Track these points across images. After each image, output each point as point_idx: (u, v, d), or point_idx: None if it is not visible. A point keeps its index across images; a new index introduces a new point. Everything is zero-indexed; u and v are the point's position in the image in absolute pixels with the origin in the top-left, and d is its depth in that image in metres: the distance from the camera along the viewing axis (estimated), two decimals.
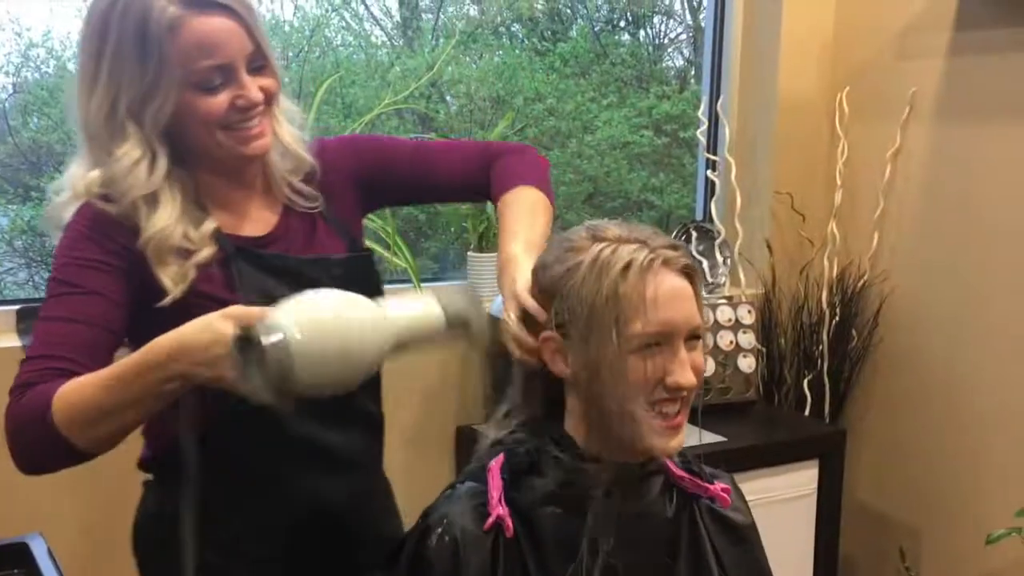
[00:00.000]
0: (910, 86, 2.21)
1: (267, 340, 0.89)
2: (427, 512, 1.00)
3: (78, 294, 1.06)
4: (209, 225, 1.13)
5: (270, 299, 0.97)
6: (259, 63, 1.11)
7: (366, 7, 3.15)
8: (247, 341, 0.90)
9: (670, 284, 0.95)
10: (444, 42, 3.06)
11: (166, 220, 1.09)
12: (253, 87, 1.10)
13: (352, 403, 1.19)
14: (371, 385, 1.26)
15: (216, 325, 0.93)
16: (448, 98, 3.34)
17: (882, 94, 2.28)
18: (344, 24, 3.14)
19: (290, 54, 3.12)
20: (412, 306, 1.02)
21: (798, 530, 2.13)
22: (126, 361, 0.98)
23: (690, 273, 0.97)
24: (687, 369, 0.95)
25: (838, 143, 2.36)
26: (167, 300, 1.08)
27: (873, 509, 2.39)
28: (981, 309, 2.11)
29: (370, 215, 2.13)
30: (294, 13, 2.92)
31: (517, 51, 3.46)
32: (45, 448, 1.00)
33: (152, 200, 1.10)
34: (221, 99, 1.09)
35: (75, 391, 0.99)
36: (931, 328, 2.22)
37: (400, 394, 2.05)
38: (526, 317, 1.01)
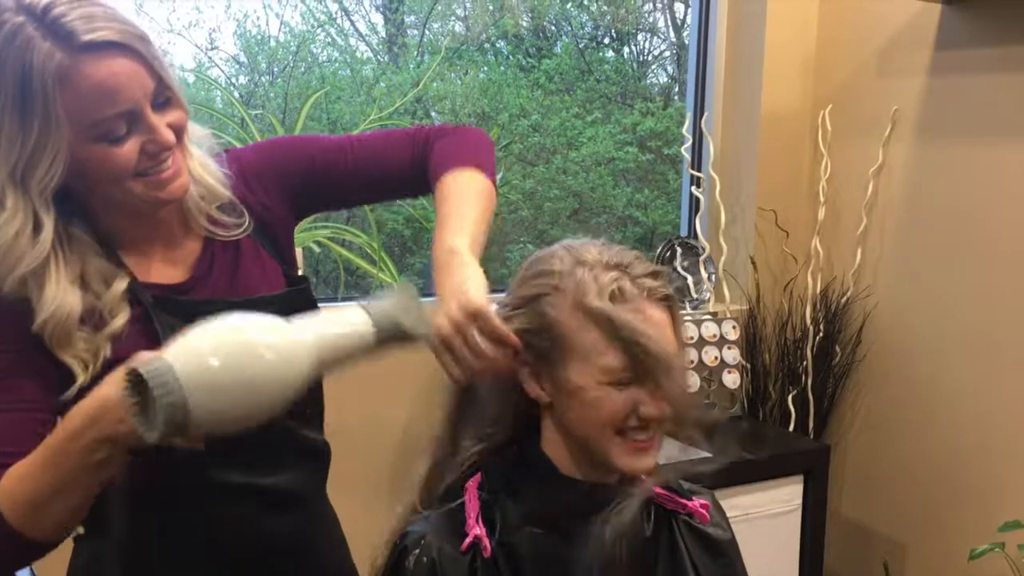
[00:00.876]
0: (892, 104, 2.23)
1: (152, 383, 0.82)
2: (404, 534, 0.99)
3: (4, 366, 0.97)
4: (120, 284, 1.02)
5: None
6: (163, 97, 1.00)
7: (352, 23, 3.16)
8: (138, 387, 0.85)
9: (649, 315, 0.94)
10: (430, 58, 3.07)
11: (58, 295, 0.97)
12: (163, 127, 0.99)
13: (289, 438, 1.13)
14: (311, 414, 1.19)
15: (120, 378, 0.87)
16: (433, 114, 3.34)
17: (864, 112, 2.30)
18: (330, 40, 3.15)
19: (275, 69, 3.12)
20: (334, 321, 0.94)
21: (783, 546, 2.14)
22: (51, 439, 0.92)
23: (669, 302, 0.97)
24: (661, 401, 0.95)
25: (821, 160, 2.38)
26: (75, 387, 0.97)
27: (857, 524, 2.40)
28: (964, 325, 2.12)
29: (354, 231, 2.13)
30: (280, 28, 2.92)
31: (502, 67, 3.47)
32: (4, 549, 0.93)
33: (39, 274, 0.98)
34: (129, 148, 0.97)
35: (15, 483, 0.92)
36: (914, 344, 2.23)
37: (388, 404, 2.04)
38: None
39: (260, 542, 1.13)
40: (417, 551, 0.96)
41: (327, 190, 1.21)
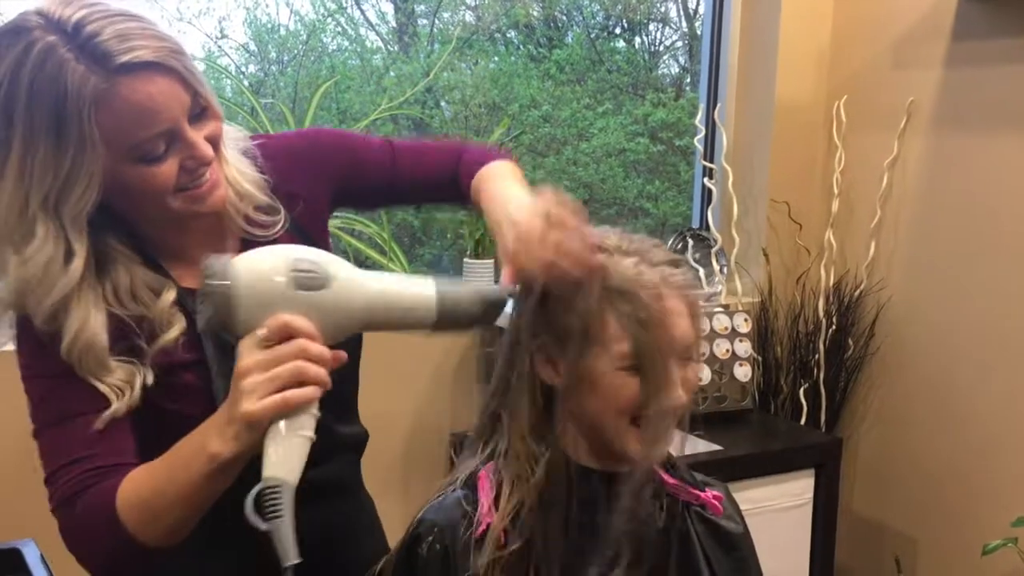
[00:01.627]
0: (907, 96, 2.21)
1: (206, 271, 0.86)
2: (417, 521, 0.99)
3: (60, 388, 0.97)
4: (169, 293, 1.02)
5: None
6: (199, 108, 0.98)
7: (362, 12, 3.14)
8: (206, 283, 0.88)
9: (667, 303, 0.93)
10: (440, 48, 3.06)
11: (83, 320, 0.96)
12: (201, 143, 0.97)
13: (326, 434, 1.16)
14: (345, 407, 1.20)
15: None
16: (443, 104, 3.34)
17: (879, 103, 2.28)
18: (340, 29, 3.14)
19: (285, 58, 3.11)
20: (403, 287, 0.94)
21: (794, 539, 2.12)
22: (172, 452, 0.93)
23: (688, 291, 0.96)
24: (677, 388, 0.94)
25: (835, 152, 2.36)
26: (111, 412, 0.96)
27: (869, 518, 2.38)
28: (978, 319, 2.10)
29: (364, 221, 2.12)
30: (290, 17, 2.91)
31: (513, 57, 3.46)
32: (119, 554, 0.94)
33: (67, 300, 0.96)
34: (168, 166, 0.96)
35: (133, 491, 0.93)
36: (928, 337, 2.22)
37: (394, 400, 2.04)
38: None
39: (300, 533, 1.13)
40: (430, 538, 0.95)
41: (365, 188, 1.22)
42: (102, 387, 0.96)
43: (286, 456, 0.86)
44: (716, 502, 1.08)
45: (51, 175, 0.92)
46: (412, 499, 2.04)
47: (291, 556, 0.81)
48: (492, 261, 2.16)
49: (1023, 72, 1.98)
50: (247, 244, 1.09)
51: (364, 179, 1.21)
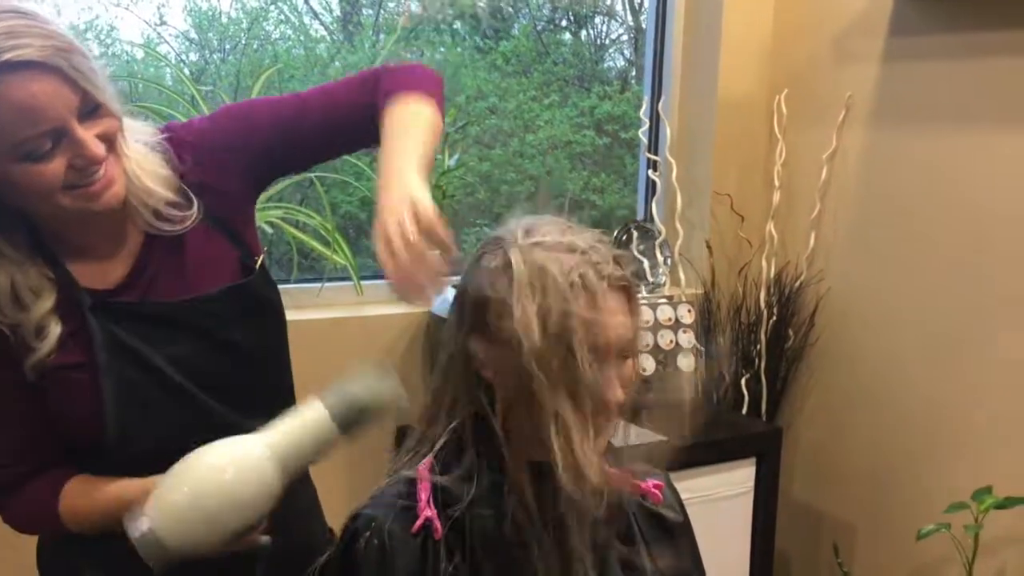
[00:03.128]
0: (846, 90, 2.24)
1: (133, 534, 0.93)
2: (355, 515, 0.98)
3: None
4: (48, 299, 1.01)
5: (129, 352, 0.97)
6: (91, 106, 0.97)
7: (305, 0, 3.10)
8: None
9: (607, 303, 0.92)
10: (385, 37, 3.03)
11: None
12: (91, 140, 0.96)
13: (243, 430, 1.15)
14: (282, 402, 1.20)
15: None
16: None
17: (819, 97, 2.31)
18: (283, 17, 3.09)
19: (227, 46, 3.05)
20: (291, 424, 0.98)
21: (735, 528, 2.15)
22: (106, 500, 1.04)
23: (628, 287, 0.95)
24: (615, 386, 0.94)
25: (776, 145, 2.39)
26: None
27: (808, 506, 2.43)
28: (913, 309, 2.15)
29: (308, 212, 2.09)
30: (231, 4, 2.86)
31: (459, 48, 3.44)
32: (51, 532, 1.13)
33: None
34: (55, 165, 0.95)
35: (73, 502, 1.06)
36: (865, 328, 2.26)
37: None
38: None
39: None
40: (368, 533, 0.95)
41: (283, 152, 1.18)
42: None
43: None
44: (656, 491, 1.09)
45: None
46: (355, 490, 2.02)
47: None
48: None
49: (958, 68, 2.02)
50: (153, 239, 1.08)
51: (280, 144, 1.17)
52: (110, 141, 0.99)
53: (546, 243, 0.94)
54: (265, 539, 1.02)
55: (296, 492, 1.25)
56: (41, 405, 1.03)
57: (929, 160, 2.09)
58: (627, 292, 0.95)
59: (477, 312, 0.95)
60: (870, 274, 2.24)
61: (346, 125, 1.17)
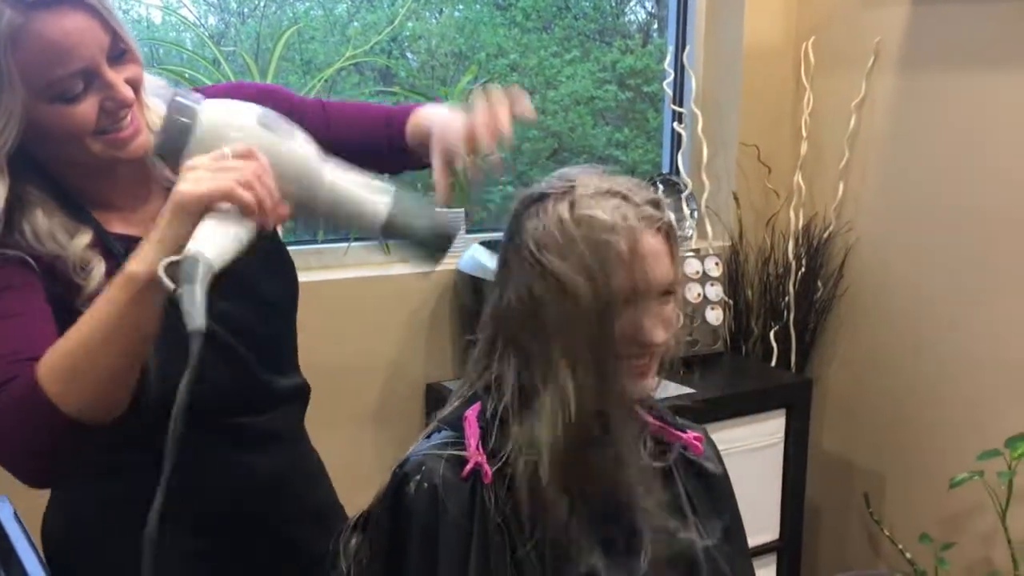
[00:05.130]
0: (874, 35, 2.20)
1: (178, 101, 0.88)
2: (403, 461, 0.99)
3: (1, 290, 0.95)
4: (84, 236, 1.00)
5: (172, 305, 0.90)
6: (119, 50, 0.97)
7: None
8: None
9: (648, 244, 0.94)
10: None
11: None
12: (121, 84, 0.96)
13: (270, 388, 1.14)
14: (284, 360, 1.20)
15: None
16: (408, 55, 3.29)
17: (847, 43, 2.27)
18: None
19: (245, 9, 3.04)
20: (360, 181, 0.94)
21: (765, 479, 2.16)
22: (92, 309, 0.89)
23: (668, 231, 0.97)
24: (657, 326, 0.96)
25: (804, 94, 2.36)
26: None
27: (839, 457, 2.43)
28: (944, 258, 2.13)
29: None
30: None
31: (478, 5, 3.40)
32: (39, 427, 0.88)
33: None
34: (87, 106, 0.95)
35: (53, 351, 0.89)
36: (895, 277, 2.24)
37: (368, 353, 2.03)
38: None
39: (238, 481, 1.13)
40: (418, 477, 0.96)
41: None
42: None
43: (214, 238, 0.82)
44: (697, 443, 1.09)
45: None
46: (385, 448, 2.05)
47: (197, 320, 0.77)
48: (462, 211, 2.15)
49: (989, 8, 1.98)
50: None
51: None
52: (136, 88, 0.99)
53: (586, 189, 0.95)
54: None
55: (303, 456, 1.27)
56: None
57: (961, 105, 2.06)
58: (667, 234, 0.96)
59: (522, 261, 0.96)
60: (900, 224, 2.22)
61: (363, 144, 1.21)
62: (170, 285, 0.79)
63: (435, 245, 0.97)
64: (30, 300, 0.95)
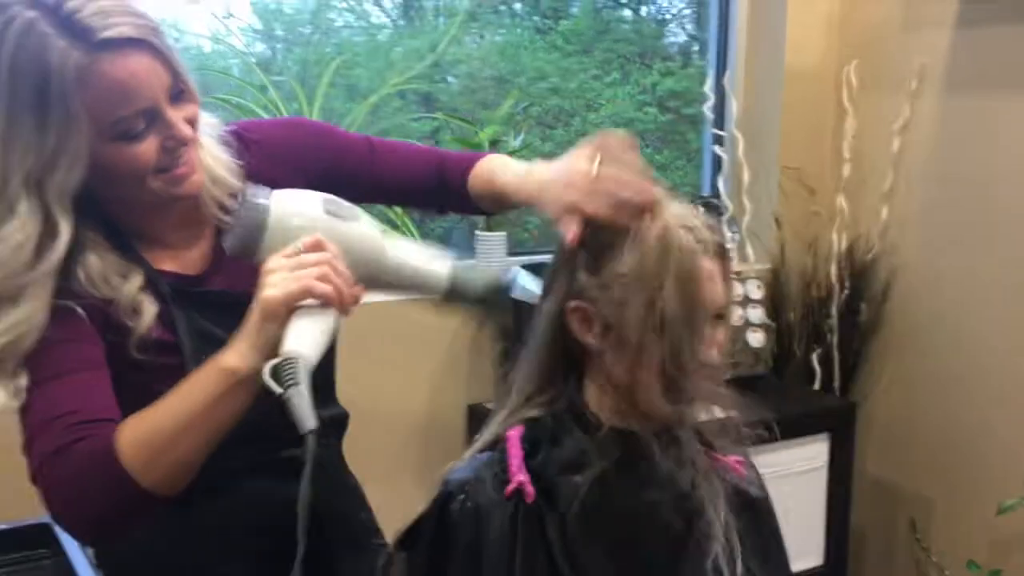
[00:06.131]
0: (918, 58, 2.19)
1: (249, 200, 0.91)
2: (446, 481, 1.00)
3: (55, 344, 0.95)
4: (136, 278, 1.01)
5: (215, 341, 0.93)
6: (178, 90, 0.98)
7: None
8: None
9: (704, 267, 0.94)
10: (447, 21, 3.04)
11: (32, 316, 0.93)
12: (180, 122, 0.97)
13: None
14: (324, 390, 1.21)
15: None
16: (450, 79, 3.33)
17: (890, 66, 2.27)
18: (346, 5, 3.13)
19: (291, 37, 3.10)
20: (419, 255, 1.01)
21: (809, 503, 2.14)
22: (178, 385, 0.92)
23: (722, 254, 0.97)
24: (711, 349, 0.96)
25: (845, 116, 2.35)
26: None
27: (884, 481, 2.40)
28: (990, 281, 2.10)
29: None
30: None
31: (519, 30, 3.44)
32: (116, 501, 0.90)
33: (24, 289, 0.93)
34: (148, 145, 0.96)
35: (134, 426, 0.91)
36: (941, 301, 2.22)
37: (410, 373, 2.05)
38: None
39: (287, 510, 1.14)
40: (462, 496, 0.96)
41: (343, 182, 1.20)
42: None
43: (306, 335, 0.87)
44: (739, 466, 1.09)
45: (34, 153, 0.92)
46: (429, 471, 2.06)
47: (309, 422, 0.81)
48: (504, 234, 2.17)
49: None
50: (221, 233, 1.07)
51: (343, 174, 1.20)
52: (193, 126, 1.01)
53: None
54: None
55: (344, 486, 1.28)
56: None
57: (1006, 127, 2.04)
58: (720, 257, 0.97)
59: (574, 280, 0.97)
60: (946, 247, 2.20)
61: (411, 183, 1.25)
62: (277, 389, 0.83)
63: (494, 301, 1.03)
64: (84, 354, 0.97)
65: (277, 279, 0.87)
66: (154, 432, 0.90)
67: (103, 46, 0.91)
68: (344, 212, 0.95)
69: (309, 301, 0.88)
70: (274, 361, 0.85)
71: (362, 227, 0.96)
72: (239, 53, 2.51)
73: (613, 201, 0.91)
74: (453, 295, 1.01)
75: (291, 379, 0.83)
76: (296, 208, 0.93)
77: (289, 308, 0.87)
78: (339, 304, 0.89)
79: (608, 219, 0.93)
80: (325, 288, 0.87)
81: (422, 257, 1.00)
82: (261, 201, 0.91)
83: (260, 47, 3.05)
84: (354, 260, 0.93)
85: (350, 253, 0.93)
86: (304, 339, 0.87)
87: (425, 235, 2.59)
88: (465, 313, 1.05)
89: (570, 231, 0.94)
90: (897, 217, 2.29)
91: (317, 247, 0.90)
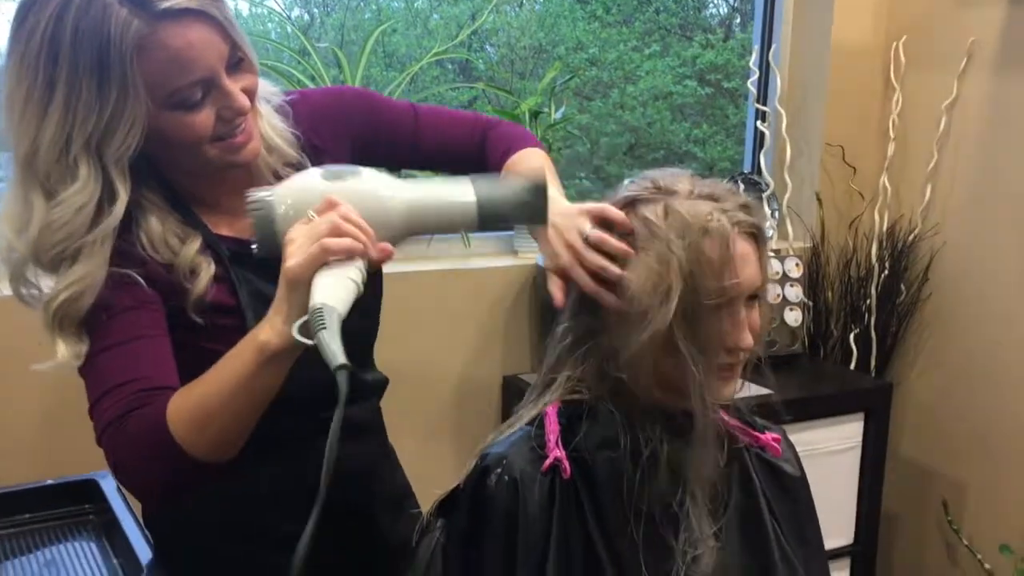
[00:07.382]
0: (969, 35, 2.15)
1: (253, 200, 0.91)
2: (484, 454, 1.01)
3: (118, 313, 0.98)
4: (195, 241, 1.04)
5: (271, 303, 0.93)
6: (236, 59, 0.99)
7: None
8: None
9: (739, 248, 0.94)
10: None
11: (90, 274, 0.96)
12: (238, 93, 0.99)
13: (361, 382, 1.17)
14: (365, 355, 1.23)
15: None
16: (488, 48, 3.31)
17: (940, 43, 2.22)
18: None
19: (329, 1, 3.10)
20: (437, 188, 0.96)
21: (842, 482, 2.14)
22: (221, 359, 0.94)
23: (757, 234, 0.97)
24: (745, 331, 0.96)
25: (892, 94, 2.31)
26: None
27: (917, 463, 2.39)
28: None
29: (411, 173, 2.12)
30: None
31: None
32: (168, 470, 0.94)
33: (82, 249, 0.96)
34: (206, 114, 0.98)
35: (182, 398, 0.93)
36: (982, 283, 2.19)
37: (446, 344, 2.06)
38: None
39: (337, 470, 1.16)
40: (499, 470, 0.97)
41: (386, 149, 1.23)
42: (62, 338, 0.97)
43: (329, 287, 0.87)
44: (775, 444, 1.09)
45: (94, 117, 0.94)
46: (464, 439, 2.08)
47: (339, 358, 0.81)
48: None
49: None
50: None
51: (386, 140, 1.22)
52: (251, 96, 1.02)
53: (678, 192, 0.96)
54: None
55: (382, 449, 1.30)
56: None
57: None
58: (756, 238, 0.97)
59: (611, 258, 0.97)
60: (989, 228, 2.16)
61: (452, 151, 1.26)
62: (307, 342, 0.84)
63: (535, 204, 0.96)
64: (146, 320, 0.99)
65: (294, 248, 0.88)
66: (197, 406, 0.93)
67: (163, 15, 0.92)
68: (343, 172, 0.94)
69: (332, 259, 0.88)
70: (302, 319, 0.85)
71: (364, 181, 0.94)
72: (278, 17, 2.51)
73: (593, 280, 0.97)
74: (488, 218, 0.96)
75: (320, 326, 0.83)
76: (295, 189, 0.93)
77: (311, 273, 0.87)
78: (361, 252, 0.89)
79: (589, 292, 0.98)
80: (341, 242, 0.87)
81: (441, 191, 0.96)
82: (262, 196, 0.92)
83: (298, 12, 3.05)
84: (369, 211, 0.92)
85: (363, 205, 0.92)
86: (327, 291, 0.86)
87: None
88: (513, 226, 1.01)
89: (556, 296, 1.01)
90: (940, 198, 2.26)
91: (328, 207, 0.90)
